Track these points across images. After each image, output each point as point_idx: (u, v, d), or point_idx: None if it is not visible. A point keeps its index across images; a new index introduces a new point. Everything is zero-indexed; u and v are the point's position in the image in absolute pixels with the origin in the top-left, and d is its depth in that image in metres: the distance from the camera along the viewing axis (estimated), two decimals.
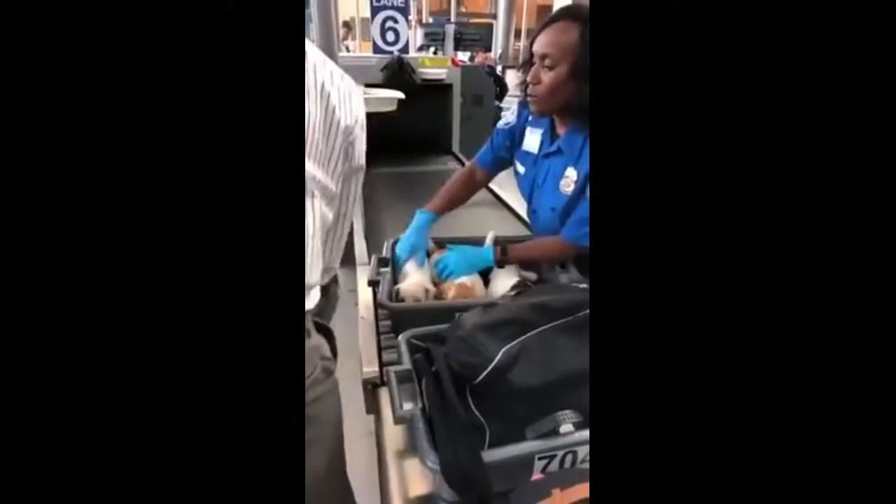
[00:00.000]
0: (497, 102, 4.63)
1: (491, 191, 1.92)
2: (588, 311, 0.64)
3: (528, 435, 0.57)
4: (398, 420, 0.60)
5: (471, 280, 0.94)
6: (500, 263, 0.98)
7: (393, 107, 1.63)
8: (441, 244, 1.07)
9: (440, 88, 2.54)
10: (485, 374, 0.57)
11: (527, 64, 0.92)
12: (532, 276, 1.00)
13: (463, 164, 2.40)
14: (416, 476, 0.64)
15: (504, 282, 0.94)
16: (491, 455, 0.53)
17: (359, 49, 6.41)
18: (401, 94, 1.69)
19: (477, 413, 0.58)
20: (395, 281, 0.95)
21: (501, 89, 4.85)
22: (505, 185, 1.81)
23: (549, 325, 0.63)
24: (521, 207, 1.66)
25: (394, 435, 0.71)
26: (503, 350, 0.59)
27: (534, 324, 0.63)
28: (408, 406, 0.60)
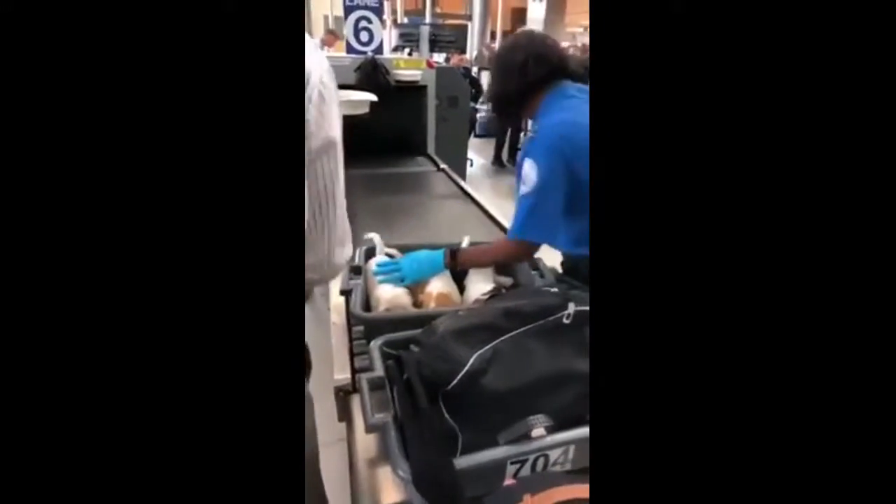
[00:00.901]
0: (472, 104, 4.66)
1: (468, 194, 1.92)
2: (559, 315, 0.65)
3: (500, 440, 0.57)
4: (370, 429, 0.59)
5: (447, 288, 0.93)
6: (451, 267, 0.97)
7: (365, 110, 1.61)
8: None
9: (415, 90, 2.53)
10: (457, 380, 0.57)
11: None
12: (507, 280, 1.01)
13: (438, 165, 2.40)
14: (388, 484, 0.63)
15: (479, 287, 0.94)
16: (463, 461, 0.53)
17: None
18: (373, 97, 1.68)
19: (450, 420, 0.58)
20: (367, 290, 0.94)
21: (477, 91, 4.89)
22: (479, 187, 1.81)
23: (522, 329, 0.64)
24: (495, 210, 1.67)
25: (365, 442, 0.70)
26: (475, 355, 0.59)
27: (506, 329, 0.63)
28: (380, 414, 0.59)
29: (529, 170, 0.89)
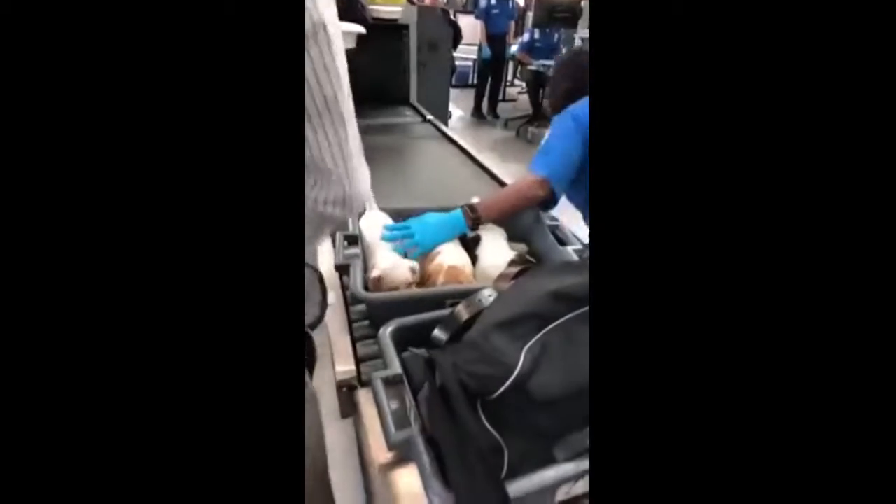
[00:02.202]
0: (452, 50, 4.35)
1: (465, 151, 1.76)
2: None
3: (557, 455, 0.47)
4: (393, 446, 0.48)
5: (459, 260, 0.80)
6: (474, 224, 0.86)
7: (352, 45, 1.40)
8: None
9: (394, 29, 2.27)
10: (505, 386, 0.46)
11: None
12: (522, 247, 0.89)
13: (423, 116, 2.20)
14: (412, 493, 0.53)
15: (494, 256, 0.82)
16: (517, 487, 0.43)
17: None
18: (361, 29, 1.45)
19: (493, 432, 0.47)
20: (365, 263, 0.80)
21: (456, 35, 4.54)
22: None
23: (572, 314, 0.53)
24: (497, 168, 1.53)
25: (381, 445, 0.59)
26: (525, 350, 0.48)
27: (554, 316, 0.52)
28: (404, 428, 0.48)
29: (551, 125, 0.95)
